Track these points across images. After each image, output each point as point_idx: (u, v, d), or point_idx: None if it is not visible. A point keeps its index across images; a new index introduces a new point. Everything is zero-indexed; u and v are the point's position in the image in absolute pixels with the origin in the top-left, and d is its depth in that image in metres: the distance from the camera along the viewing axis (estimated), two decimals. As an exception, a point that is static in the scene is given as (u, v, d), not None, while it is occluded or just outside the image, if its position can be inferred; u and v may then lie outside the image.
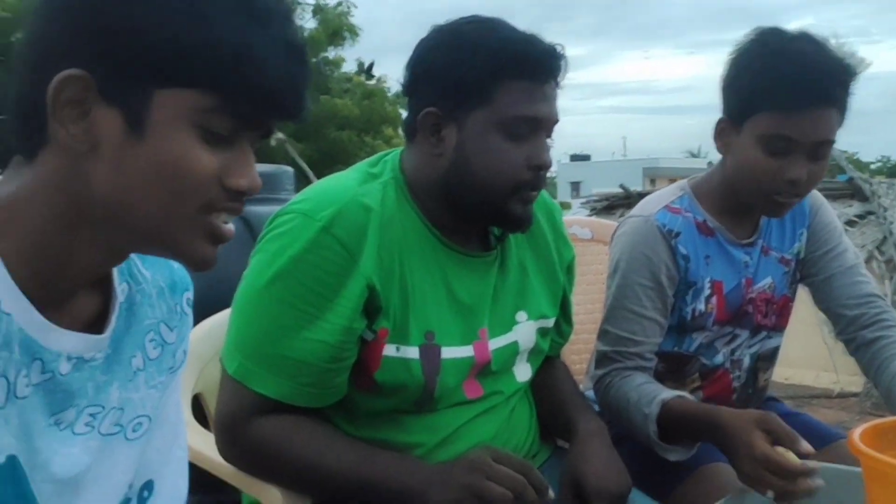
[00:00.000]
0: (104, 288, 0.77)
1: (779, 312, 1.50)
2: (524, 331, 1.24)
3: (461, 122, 1.11)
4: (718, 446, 1.19)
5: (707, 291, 1.40)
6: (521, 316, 1.24)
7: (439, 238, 1.16)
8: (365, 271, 1.07)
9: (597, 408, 1.39)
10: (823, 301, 1.49)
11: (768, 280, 1.47)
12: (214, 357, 1.37)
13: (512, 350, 1.23)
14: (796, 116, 1.26)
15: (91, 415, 0.75)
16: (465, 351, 1.16)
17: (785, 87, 1.25)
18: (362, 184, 1.13)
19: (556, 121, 1.15)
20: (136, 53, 0.65)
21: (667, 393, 1.27)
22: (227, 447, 1.13)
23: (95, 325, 0.75)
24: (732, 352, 1.48)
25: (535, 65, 1.10)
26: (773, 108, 1.27)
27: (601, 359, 1.41)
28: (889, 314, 1.44)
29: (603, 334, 1.42)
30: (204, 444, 1.17)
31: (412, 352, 1.12)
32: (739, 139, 1.33)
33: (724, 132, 1.37)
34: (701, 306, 1.41)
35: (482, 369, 1.19)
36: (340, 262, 1.06)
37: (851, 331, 1.45)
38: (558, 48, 1.13)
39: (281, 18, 0.69)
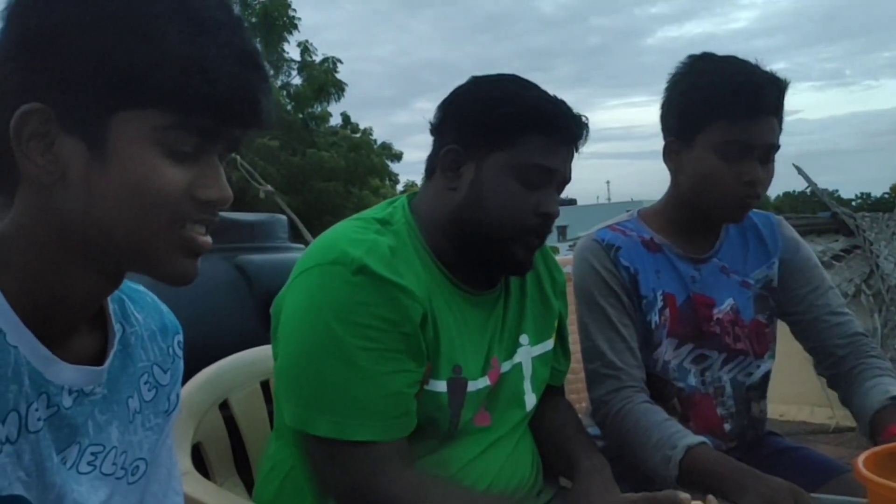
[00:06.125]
0: (101, 327, 0.78)
1: (753, 337, 1.51)
2: (527, 354, 1.28)
3: (480, 161, 1.16)
4: None
5: (660, 303, 1.45)
6: (524, 339, 1.28)
7: (450, 279, 1.18)
8: (417, 298, 1.09)
9: (600, 443, 1.39)
10: (811, 339, 1.52)
11: (730, 301, 1.49)
12: (213, 406, 1.37)
13: (517, 371, 1.26)
14: (751, 123, 1.36)
15: (93, 454, 0.75)
16: (484, 382, 1.19)
17: (739, 97, 1.35)
18: (377, 230, 1.14)
19: (568, 180, 1.21)
20: (88, 81, 0.65)
21: (691, 438, 1.27)
22: None
23: (95, 363, 0.76)
24: (703, 372, 1.48)
25: (560, 124, 1.16)
26: (729, 117, 1.36)
27: (593, 378, 1.43)
28: (876, 351, 1.48)
29: (586, 352, 1.44)
30: (204, 494, 1.16)
31: (441, 385, 1.13)
32: (693, 153, 1.41)
33: (674, 151, 1.44)
34: (656, 318, 1.45)
35: (491, 394, 1.21)
36: (390, 294, 1.07)
37: (836, 367, 1.48)
38: (583, 118, 1.20)
39: (230, 27, 0.69)
